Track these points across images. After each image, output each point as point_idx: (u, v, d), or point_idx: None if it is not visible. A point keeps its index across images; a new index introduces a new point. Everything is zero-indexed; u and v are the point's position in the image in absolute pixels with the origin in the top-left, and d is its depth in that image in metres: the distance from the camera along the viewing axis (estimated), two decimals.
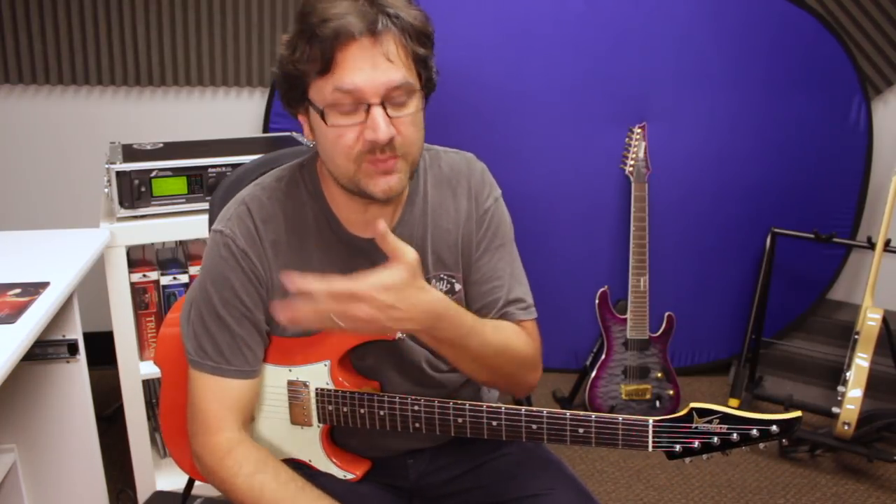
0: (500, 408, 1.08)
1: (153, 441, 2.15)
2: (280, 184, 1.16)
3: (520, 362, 1.15)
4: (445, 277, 1.19)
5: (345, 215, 1.14)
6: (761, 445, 1.01)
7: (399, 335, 1.12)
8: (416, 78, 1.03)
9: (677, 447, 1.02)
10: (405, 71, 1.01)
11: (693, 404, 1.02)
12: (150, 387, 2.29)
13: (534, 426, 1.06)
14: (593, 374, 2.55)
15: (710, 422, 1.01)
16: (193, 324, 1.13)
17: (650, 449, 1.03)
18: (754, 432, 1.00)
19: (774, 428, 0.99)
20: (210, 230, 1.17)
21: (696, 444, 1.01)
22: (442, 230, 1.18)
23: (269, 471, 1.08)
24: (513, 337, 1.15)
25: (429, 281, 1.16)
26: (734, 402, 2.53)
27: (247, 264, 1.11)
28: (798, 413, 1.00)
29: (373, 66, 0.98)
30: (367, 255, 1.12)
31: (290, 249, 1.13)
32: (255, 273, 1.11)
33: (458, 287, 1.20)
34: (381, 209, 1.12)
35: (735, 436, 1.00)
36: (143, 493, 2.02)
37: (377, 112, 0.99)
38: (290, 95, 1.06)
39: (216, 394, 1.11)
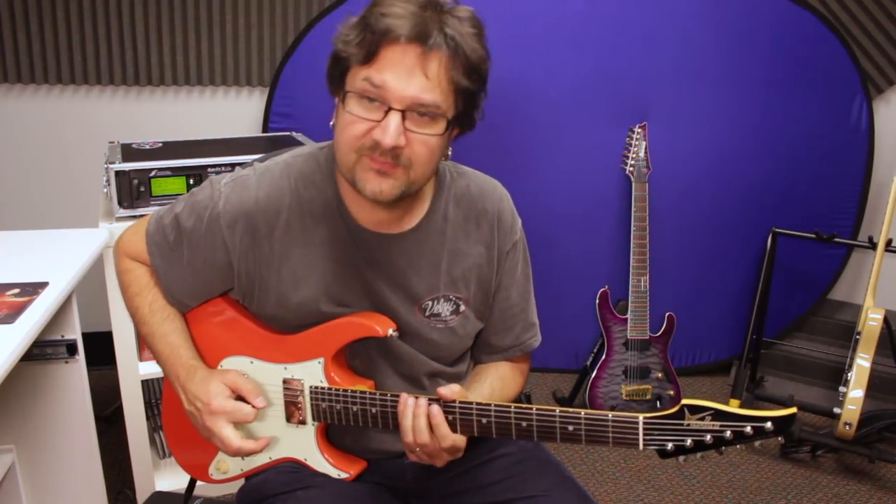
0: (489, 405, 1.07)
1: (152, 441, 2.15)
2: (297, 160, 1.17)
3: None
4: (454, 298, 1.19)
5: (353, 206, 1.14)
6: (757, 444, 0.99)
7: (390, 332, 1.12)
8: (451, 106, 1.02)
9: (669, 445, 1.00)
10: (440, 95, 1.00)
11: (685, 401, 0.99)
12: (149, 387, 2.29)
13: (523, 423, 1.06)
14: (594, 374, 2.54)
15: (702, 419, 0.98)
16: (162, 219, 1.19)
17: (641, 447, 1.01)
18: (748, 429, 0.97)
19: (769, 425, 0.96)
20: (214, 181, 1.18)
21: (689, 441, 0.99)
22: (459, 252, 1.19)
23: (147, 297, 1.22)
24: (510, 390, 1.27)
25: (437, 300, 1.17)
26: (735, 402, 2.53)
27: (228, 239, 1.13)
28: (793, 409, 0.97)
29: (409, 75, 0.98)
30: (369, 247, 1.14)
31: (290, 227, 1.13)
32: (228, 248, 1.14)
33: (462, 308, 1.20)
34: (387, 211, 1.12)
35: (728, 433, 0.97)
36: (142, 494, 2.01)
37: (393, 118, 0.99)
38: (333, 73, 1.06)
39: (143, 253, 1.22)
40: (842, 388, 2.17)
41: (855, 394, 2.13)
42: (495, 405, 1.07)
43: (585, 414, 1.03)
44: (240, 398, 1.14)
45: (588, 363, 2.61)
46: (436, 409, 1.07)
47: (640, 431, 1.01)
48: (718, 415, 0.98)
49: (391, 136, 0.99)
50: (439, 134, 1.03)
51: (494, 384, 1.24)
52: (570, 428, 1.04)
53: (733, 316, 2.86)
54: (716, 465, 2.38)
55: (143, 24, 2.48)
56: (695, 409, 0.99)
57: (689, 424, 0.99)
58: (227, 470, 1.25)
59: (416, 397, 1.08)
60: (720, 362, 2.92)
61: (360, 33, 1.00)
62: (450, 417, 1.09)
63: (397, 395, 1.11)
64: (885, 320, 2.25)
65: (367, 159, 1.03)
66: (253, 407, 1.13)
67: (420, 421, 1.07)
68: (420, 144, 1.02)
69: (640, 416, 1.00)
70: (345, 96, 1.02)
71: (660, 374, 2.56)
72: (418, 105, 1.00)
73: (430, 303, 1.18)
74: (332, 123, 1.10)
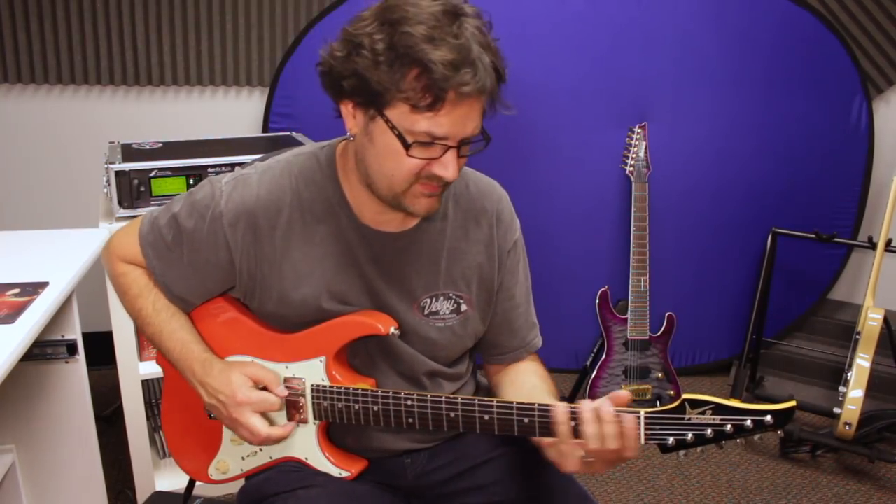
0: (491, 402, 1.07)
1: (152, 441, 2.15)
2: (297, 159, 1.17)
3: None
4: (454, 297, 1.20)
5: (357, 204, 1.14)
6: (757, 437, 0.99)
7: (392, 331, 1.12)
8: None
9: (670, 440, 1.00)
10: (481, 123, 1.05)
11: (686, 395, 1.00)
12: (149, 387, 2.29)
13: (525, 420, 1.06)
14: (594, 374, 2.54)
15: (703, 413, 0.99)
16: (157, 220, 1.19)
17: (642, 442, 1.01)
18: (748, 423, 0.98)
19: (769, 418, 0.97)
20: (214, 180, 1.17)
21: (690, 436, 0.99)
22: (459, 251, 1.20)
23: (149, 297, 1.21)
24: (551, 385, 1.24)
25: (436, 297, 1.18)
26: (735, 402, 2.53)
27: (230, 238, 1.13)
28: (792, 403, 0.98)
29: (467, 119, 1.02)
30: (370, 245, 1.14)
31: (291, 225, 1.13)
32: (231, 247, 1.13)
33: (464, 308, 1.21)
34: (398, 211, 1.12)
35: (729, 427, 0.98)
36: (142, 494, 2.02)
37: (453, 154, 1.03)
38: (355, 91, 1.02)
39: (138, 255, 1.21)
40: (842, 388, 2.17)
41: (855, 394, 2.13)
42: (497, 402, 1.07)
43: None
44: (261, 388, 1.15)
45: (588, 363, 2.61)
46: (630, 418, 1.02)
47: (642, 426, 1.01)
48: (719, 409, 0.99)
49: (453, 172, 1.04)
50: (473, 151, 1.07)
51: (536, 381, 1.23)
52: (573, 424, 1.04)
53: (733, 316, 2.86)
54: (716, 464, 2.38)
55: (143, 24, 2.49)
56: (695, 404, 1.00)
57: (689, 419, 1.00)
58: (227, 470, 1.25)
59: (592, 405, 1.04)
60: (720, 362, 2.92)
61: (409, 71, 0.97)
62: (451, 415, 1.09)
63: (399, 392, 1.11)
64: (885, 320, 2.25)
65: (419, 186, 1.06)
66: (276, 396, 1.14)
67: (610, 427, 1.02)
68: (462, 163, 1.07)
69: (642, 411, 1.01)
70: (406, 145, 1.01)
71: (660, 374, 2.56)
72: (469, 139, 1.04)
73: (428, 300, 1.18)
74: (351, 136, 1.09)
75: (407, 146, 1.01)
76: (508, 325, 1.26)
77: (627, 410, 1.01)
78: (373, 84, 0.99)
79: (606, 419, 1.01)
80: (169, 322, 1.20)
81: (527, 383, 1.23)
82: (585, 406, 1.02)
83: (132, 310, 1.24)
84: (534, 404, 1.05)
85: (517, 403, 1.06)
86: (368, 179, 1.08)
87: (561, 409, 1.03)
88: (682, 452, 1.02)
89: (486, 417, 1.08)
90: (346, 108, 1.07)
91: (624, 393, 1.03)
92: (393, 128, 1.01)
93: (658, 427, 1.01)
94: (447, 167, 1.03)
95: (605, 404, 1.01)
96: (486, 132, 1.07)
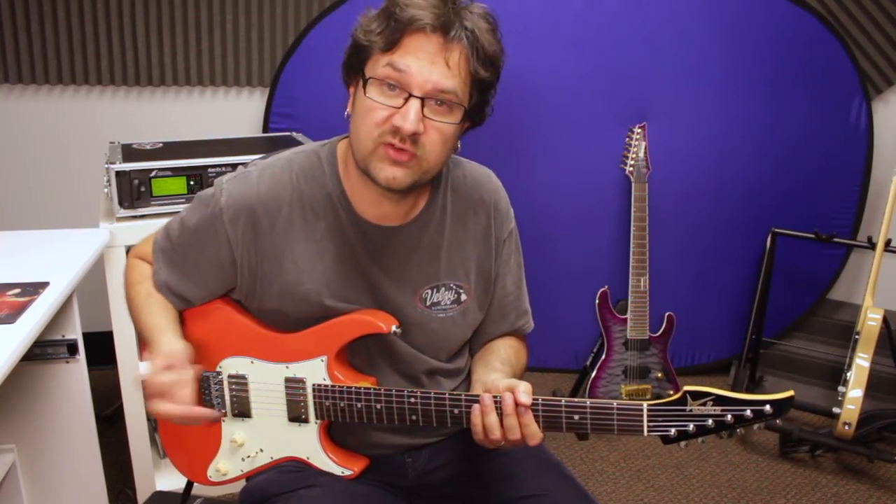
0: (496, 398, 1.07)
1: (153, 441, 2.15)
2: (298, 156, 1.18)
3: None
4: (454, 287, 1.20)
5: (357, 200, 1.15)
6: (756, 427, 1.01)
7: (393, 329, 1.13)
8: (467, 97, 1.07)
9: (672, 431, 1.02)
10: (459, 83, 1.04)
11: (687, 387, 1.02)
12: None
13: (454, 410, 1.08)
14: (593, 374, 2.54)
15: (704, 404, 1.01)
16: (169, 224, 1.22)
17: (645, 433, 1.03)
18: (748, 413, 1.00)
19: (768, 408, 0.99)
20: (217, 181, 1.18)
21: (691, 426, 1.01)
22: (458, 241, 1.20)
23: (144, 284, 1.24)
24: (522, 356, 1.29)
25: (437, 288, 1.18)
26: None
27: (231, 234, 1.13)
28: (790, 392, 1.00)
29: (431, 62, 1.02)
30: (370, 240, 1.15)
31: (291, 221, 1.14)
32: (231, 243, 1.14)
33: (464, 297, 1.22)
34: (395, 205, 1.13)
35: (729, 417, 1.00)
36: (142, 494, 2.02)
37: (414, 104, 1.02)
38: (351, 62, 1.09)
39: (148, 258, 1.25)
40: (841, 388, 2.17)
41: (854, 393, 2.14)
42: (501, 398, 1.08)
43: (591, 403, 1.04)
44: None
45: (588, 363, 2.61)
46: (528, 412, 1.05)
47: (645, 418, 1.02)
48: (719, 400, 1.01)
49: (411, 122, 1.02)
50: (455, 123, 1.06)
51: (509, 351, 1.26)
52: (576, 417, 1.04)
53: (733, 316, 2.86)
54: (716, 464, 2.38)
55: (143, 24, 2.49)
56: (697, 395, 1.01)
57: (691, 410, 1.01)
58: (227, 472, 1.25)
59: (495, 397, 1.06)
60: (720, 362, 2.92)
61: (382, 23, 1.04)
62: (455, 411, 1.09)
63: (402, 390, 1.11)
64: (885, 320, 2.25)
65: (383, 149, 1.05)
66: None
67: (511, 419, 1.05)
68: (436, 132, 1.05)
69: (645, 404, 1.02)
70: (366, 83, 1.04)
71: (659, 374, 2.56)
72: (438, 92, 1.03)
73: (429, 291, 1.19)
74: (346, 113, 1.12)
75: (364, 82, 1.04)
76: (498, 312, 1.28)
77: (631, 404, 1.02)
78: (361, 42, 1.05)
79: (507, 412, 1.04)
80: (151, 307, 1.20)
81: (501, 352, 1.25)
82: (485, 398, 1.05)
83: (128, 297, 1.26)
84: (537, 399, 1.05)
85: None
86: (353, 151, 1.10)
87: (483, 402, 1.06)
88: (683, 443, 1.04)
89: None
90: (351, 92, 1.11)
91: (524, 398, 1.03)
92: (363, 75, 1.05)
93: (660, 419, 1.02)
94: (406, 117, 1.02)
95: (507, 397, 1.04)
96: (473, 102, 1.08)
